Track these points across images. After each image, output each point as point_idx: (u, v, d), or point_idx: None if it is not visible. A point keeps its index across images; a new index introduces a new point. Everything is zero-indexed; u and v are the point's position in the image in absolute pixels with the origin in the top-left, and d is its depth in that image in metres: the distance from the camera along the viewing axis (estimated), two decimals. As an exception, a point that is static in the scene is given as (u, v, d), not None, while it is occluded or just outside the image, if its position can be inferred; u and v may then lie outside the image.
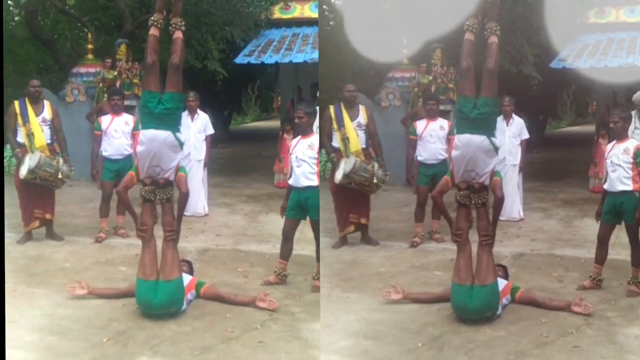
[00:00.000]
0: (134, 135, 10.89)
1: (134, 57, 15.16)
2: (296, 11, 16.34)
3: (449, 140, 10.68)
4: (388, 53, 15.08)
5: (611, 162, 8.59)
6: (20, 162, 10.21)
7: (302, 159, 8.93)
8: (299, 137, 9.21)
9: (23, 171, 10.08)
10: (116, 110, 11.09)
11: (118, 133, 10.95)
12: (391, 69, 14.93)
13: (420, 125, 10.92)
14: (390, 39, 14.85)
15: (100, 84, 14.68)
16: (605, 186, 8.72)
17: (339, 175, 9.97)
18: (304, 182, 8.88)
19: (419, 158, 10.85)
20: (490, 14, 8.00)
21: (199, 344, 7.24)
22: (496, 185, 7.82)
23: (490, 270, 7.77)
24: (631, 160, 8.45)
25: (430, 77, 14.41)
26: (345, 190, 10.21)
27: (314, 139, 8.97)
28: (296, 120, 9.40)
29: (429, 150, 10.78)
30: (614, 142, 8.73)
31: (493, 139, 7.80)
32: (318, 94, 15.79)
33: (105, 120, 11.08)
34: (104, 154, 10.98)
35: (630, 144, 8.55)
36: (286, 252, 9.00)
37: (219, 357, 7.02)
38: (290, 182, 9.09)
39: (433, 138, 10.80)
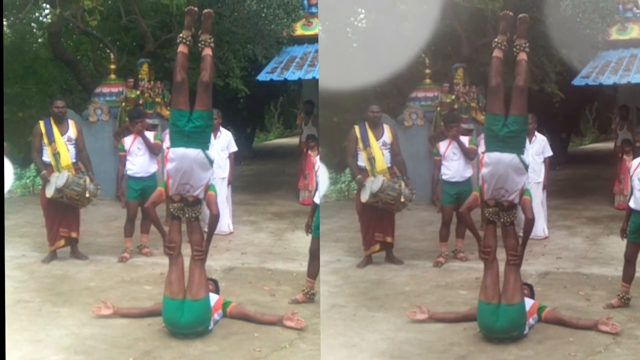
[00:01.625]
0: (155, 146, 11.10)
1: (155, 77, 15.22)
2: (317, 27, 16.34)
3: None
4: (410, 73, 15.09)
5: (638, 179, 8.49)
6: (46, 182, 10.26)
7: None
8: None
9: (50, 190, 10.12)
10: (137, 130, 11.15)
11: (141, 150, 11.01)
12: (414, 88, 14.94)
13: (442, 145, 10.92)
14: (412, 59, 14.87)
15: (123, 104, 14.71)
16: (631, 204, 8.61)
17: (366, 195, 9.98)
18: None
19: (444, 177, 10.83)
20: (519, 31, 7.95)
21: (226, 364, 7.26)
22: (526, 205, 7.75)
23: (517, 290, 7.73)
24: None
25: (453, 97, 14.39)
26: (371, 209, 10.21)
27: None
28: None
29: (453, 168, 10.77)
30: (639, 159, 8.65)
31: (523, 157, 7.76)
32: (308, 111, 15.89)
33: (127, 140, 11.15)
34: (129, 172, 11.02)
35: None
36: (314, 270, 8.96)
37: (246, 376, 7.05)
38: (316, 199, 9.09)
39: (456, 155, 10.79)
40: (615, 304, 8.62)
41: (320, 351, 7.52)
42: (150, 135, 11.17)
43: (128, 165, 11.02)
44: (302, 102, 17.35)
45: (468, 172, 10.82)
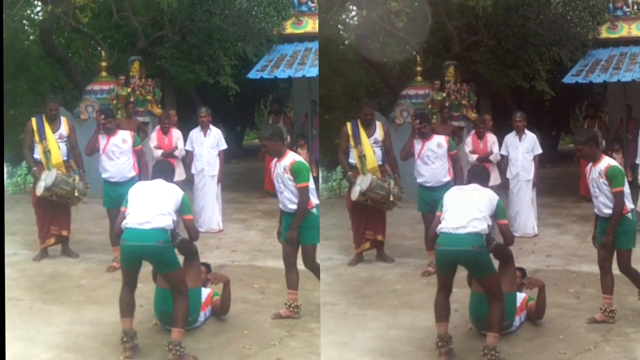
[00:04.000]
0: (135, 152, 10.33)
1: (147, 74, 15.25)
2: (308, 26, 16.33)
3: (450, 156, 10.24)
4: (402, 70, 15.12)
5: (592, 187, 8.11)
6: (37, 179, 10.23)
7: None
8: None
9: (40, 189, 10.11)
10: (108, 132, 10.31)
11: (116, 154, 10.26)
12: (405, 86, 14.96)
13: (417, 145, 10.29)
14: (404, 57, 14.92)
15: (114, 101, 14.72)
16: (595, 210, 8.24)
17: (355, 193, 9.98)
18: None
19: (419, 180, 10.33)
20: None
21: (217, 361, 7.25)
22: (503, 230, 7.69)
23: (508, 281, 7.74)
24: (607, 183, 7.93)
25: (444, 94, 14.42)
26: (362, 208, 10.22)
27: None
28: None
29: (430, 171, 10.20)
30: (590, 165, 8.17)
31: None
32: (274, 110, 15.93)
33: (101, 142, 10.32)
34: (103, 176, 10.36)
35: (603, 165, 8.01)
36: (292, 280, 8.46)
37: (236, 374, 7.05)
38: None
39: (431, 159, 10.20)
40: (598, 319, 8.13)
41: (316, 349, 7.54)
42: (127, 135, 10.39)
43: (103, 167, 10.34)
44: (292, 100, 17.37)
45: (446, 177, 10.20)
